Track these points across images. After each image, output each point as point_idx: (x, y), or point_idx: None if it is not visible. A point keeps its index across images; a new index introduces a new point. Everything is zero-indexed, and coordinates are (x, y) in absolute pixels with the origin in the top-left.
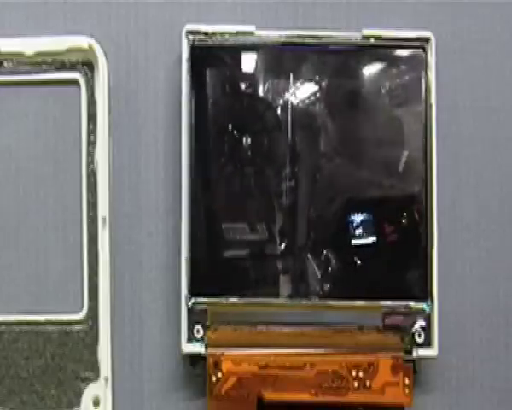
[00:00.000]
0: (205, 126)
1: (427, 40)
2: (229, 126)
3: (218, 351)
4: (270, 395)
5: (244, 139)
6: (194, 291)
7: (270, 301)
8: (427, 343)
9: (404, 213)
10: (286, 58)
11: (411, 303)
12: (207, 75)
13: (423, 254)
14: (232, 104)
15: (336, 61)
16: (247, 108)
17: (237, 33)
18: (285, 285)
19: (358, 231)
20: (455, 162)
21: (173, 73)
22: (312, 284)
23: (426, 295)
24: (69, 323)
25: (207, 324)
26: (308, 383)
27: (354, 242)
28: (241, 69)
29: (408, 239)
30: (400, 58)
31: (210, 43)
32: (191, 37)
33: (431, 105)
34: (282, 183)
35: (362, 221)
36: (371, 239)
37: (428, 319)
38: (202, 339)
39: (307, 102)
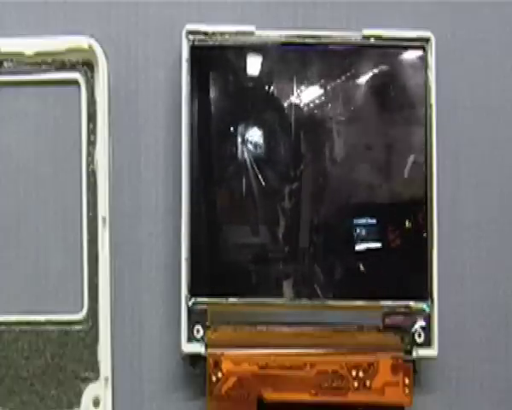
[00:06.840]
0: (205, 126)
1: (427, 40)
2: (229, 126)
3: (218, 351)
4: (270, 395)
5: (244, 140)
6: (194, 291)
7: (270, 302)
8: (427, 343)
9: (405, 215)
10: (286, 58)
11: (411, 303)
12: (207, 75)
13: (423, 254)
14: (232, 104)
15: (336, 61)
16: (247, 108)
17: (237, 33)
18: (285, 286)
19: (360, 234)
20: (455, 162)
21: (173, 73)
22: (313, 285)
23: (426, 295)
24: (69, 323)
25: (207, 324)
26: (308, 383)
27: (356, 245)
28: (241, 69)
29: (408, 240)
30: (400, 58)
31: (210, 43)
32: (191, 37)
33: (431, 105)
34: (282, 184)
35: (364, 224)
36: (374, 244)
37: (428, 319)
38: (202, 339)
39: (308, 102)
